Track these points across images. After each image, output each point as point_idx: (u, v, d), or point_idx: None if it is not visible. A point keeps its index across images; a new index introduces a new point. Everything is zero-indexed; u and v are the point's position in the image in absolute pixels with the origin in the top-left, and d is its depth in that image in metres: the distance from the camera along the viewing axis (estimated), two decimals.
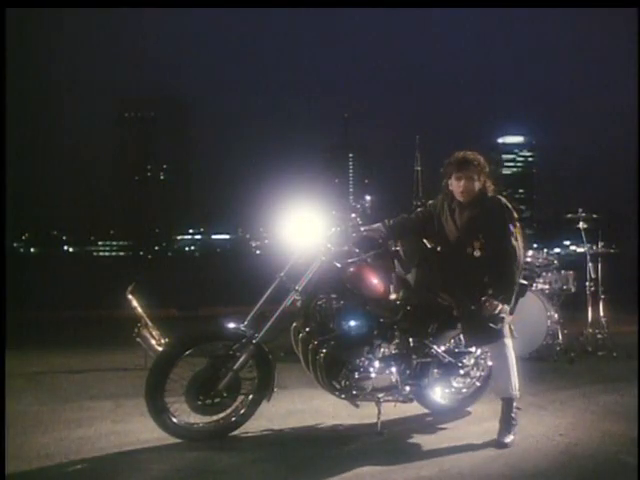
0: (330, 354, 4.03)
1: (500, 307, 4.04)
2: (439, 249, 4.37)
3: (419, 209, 4.61)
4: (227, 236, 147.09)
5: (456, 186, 4.23)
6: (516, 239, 4.14)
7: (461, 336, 4.47)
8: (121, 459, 3.77)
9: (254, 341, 4.04)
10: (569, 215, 7.30)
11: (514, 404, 4.15)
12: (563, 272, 7.18)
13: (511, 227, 4.15)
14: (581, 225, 7.15)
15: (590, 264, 7.19)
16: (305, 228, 4.25)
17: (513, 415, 4.10)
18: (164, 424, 3.96)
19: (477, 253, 4.15)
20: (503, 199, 4.25)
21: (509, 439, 3.98)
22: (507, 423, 4.07)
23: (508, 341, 4.19)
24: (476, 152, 4.29)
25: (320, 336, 4.11)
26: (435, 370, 4.39)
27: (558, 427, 4.32)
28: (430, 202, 4.55)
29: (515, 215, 4.22)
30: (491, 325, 4.08)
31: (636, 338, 7.09)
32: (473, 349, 4.52)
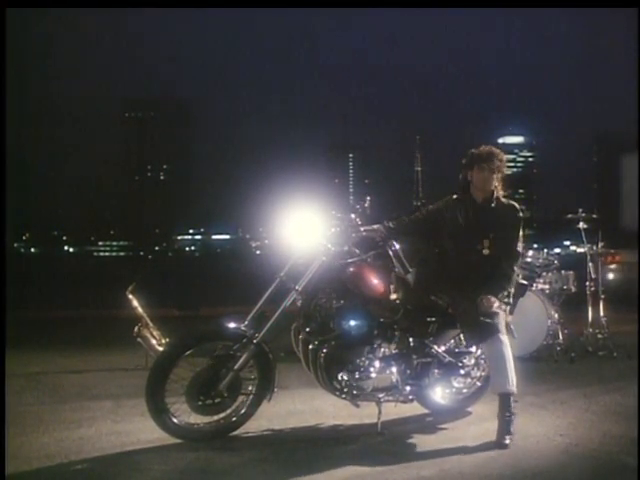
0: (330, 354, 4.03)
1: (497, 304, 4.09)
2: (446, 246, 4.42)
3: (419, 212, 4.66)
4: (227, 236, 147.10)
5: (477, 177, 4.34)
6: (521, 243, 4.34)
7: (461, 336, 4.48)
8: (121, 459, 3.77)
9: (255, 341, 4.04)
10: (569, 215, 7.31)
11: (511, 399, 4.13)
12: (563, 272, 7.19)
13: (520, 234, 4.34)
14: (581, 225, 7.15)
15: (590, 264, 7.20)
16: (305, 228, 4.25)
17: (511, 410, 4.08)
18: (164, 424, 3.95)
19: (486, 251, 4.27)
20: (518, 206, 4.42)
21: (508, 439, 3.98)
22: (505, 419, 4.05)
23: (504, 337, 4.20)
24: (500, 150, 4.43)
25: (320, 336, 4.11)
26: (435, 370, 4.39)
27: (558, 427, 4.32)
28: (431, 206, 4.61)
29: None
30: (487, 320, 4.10)
31: (636, 338, 7.09)
32: (473, 349, 4.52)
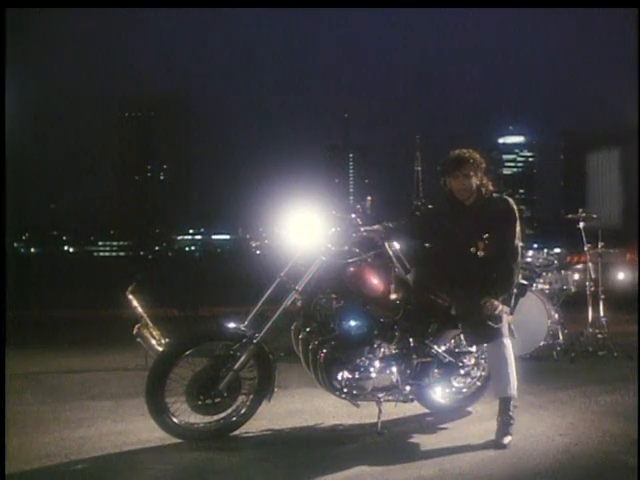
0: (330, 354, 4.03)
1: (500, 307, 4.06)
2: (440, 249, 4.38)
3: (417, 212, 4.65)
4: (227, 236, 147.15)
5: (454, 185, 4.26)
6: (519, 239, 4.21)
7: (462, 336, 4.48)
8: (121, 459, 3.77)
9: (254, 341, 4.04)
10: (569, 215, 7.31)
11: (512, 403, 4.14)
12: (563, 272, 7.19)
13: (517, 228, 4.21)
14: (581, 225, 7.15)
15: (590, 264, 7.19)
16: (305, 228, 4.25)
17: (511, 414, 4.10)
18: (164, 424, 3.96)
19: (481, 253, 4.18)
20: (510, 200, 4.30)
21: (507, 439, 3.98)
22: (505, 422, 4.07)
23: (507, 341, 4.19)
24: (471, 149, 4.32)
25: (320, 336, 4.11)
26: (435, 370, 4.39)
27: (558, 427, 4.32)
28: (429, 207, 4.59)
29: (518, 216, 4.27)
30: (490, 324, 4.09)
31: (636, 338, 7.09)
32: (474, 349, 4.52)
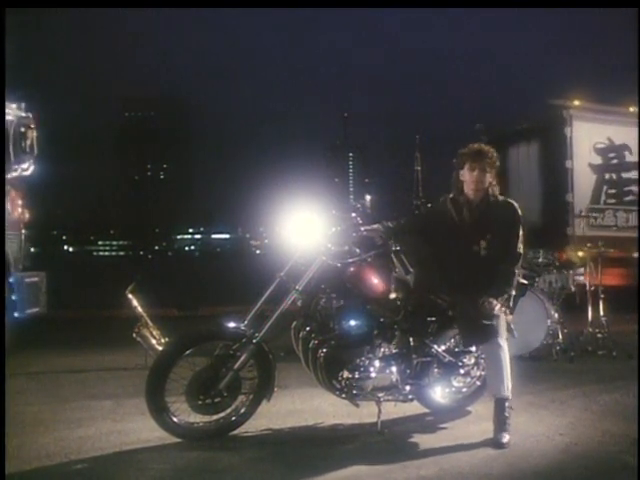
0: (330, 354, 4.03)
1: (498, 306, 4.07)
2: (442, 248, 4.39)
3: (418, 211, 4.66)
4: (227, 236, 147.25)
5: (469, 177, 4.26)
6: (522, 243, 4.24)
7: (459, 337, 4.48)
8: (121, 459, 3.77)
9: (254, 341, 4.04)
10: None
11: (507, 404, 4.14)
12: (563, 272, 7.19)
13: (520, 232, 4.23)
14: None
15: (590, 264, 7.20)
16: (305, 228, 4.25)
17: (506, 414, 4.09)
18: (164, 423, 3.96)
19: (483, 252, 4.20)
20: (516, 204, 4.32)
21: (505, 439, 3.97)
22: (500, 423, 4.06)
23: (503, 341, 4.19)
24: (489, 147, 4.35)
25: (320, 336, 4.11)
26: (435, 369, 4.39)
27: (558, 427, 4.32)
28: (429, 206, 4.60)
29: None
30: (486, 323, 4.09)
31: (636, 338, 7.09)
32: (473, 348, 4.52)
